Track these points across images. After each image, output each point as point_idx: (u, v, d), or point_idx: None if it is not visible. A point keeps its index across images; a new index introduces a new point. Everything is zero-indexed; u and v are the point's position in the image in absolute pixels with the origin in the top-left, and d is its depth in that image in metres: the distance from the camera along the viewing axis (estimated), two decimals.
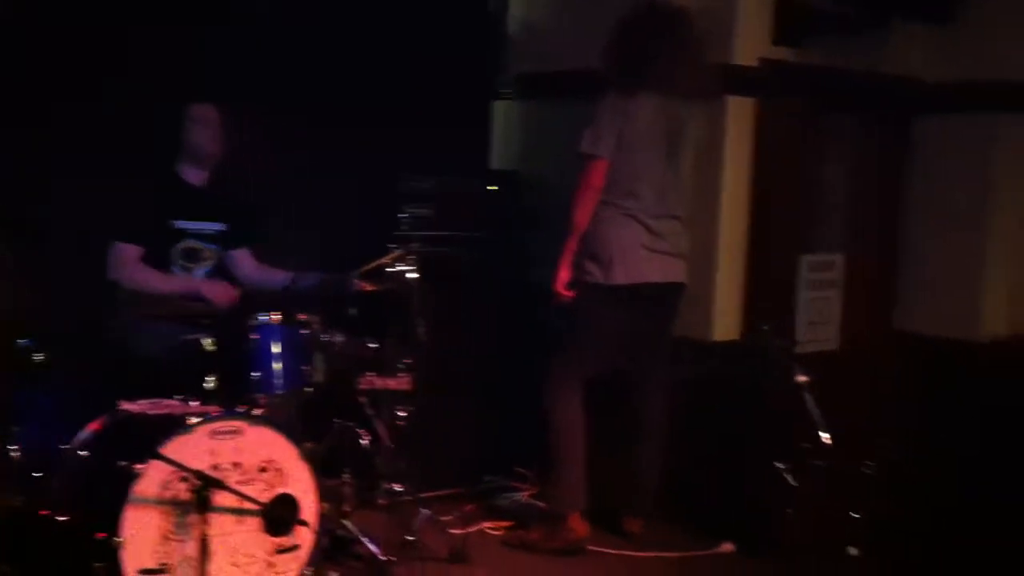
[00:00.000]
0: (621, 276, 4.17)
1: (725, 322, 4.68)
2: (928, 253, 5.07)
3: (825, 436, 3.60)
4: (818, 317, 4.96)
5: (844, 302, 5.01)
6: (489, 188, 5.01)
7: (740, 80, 4.58)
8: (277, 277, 4.32)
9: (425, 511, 3.95)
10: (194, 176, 4.22)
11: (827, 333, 4.98)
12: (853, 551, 3.51)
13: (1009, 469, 4.44)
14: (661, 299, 4.32)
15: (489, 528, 4.37)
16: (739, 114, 4.62)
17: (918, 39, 5.04)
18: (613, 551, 4.23)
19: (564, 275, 4.19)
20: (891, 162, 5.17)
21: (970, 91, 4.94)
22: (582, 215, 4.16)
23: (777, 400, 4.00)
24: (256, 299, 4.02)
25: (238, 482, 3.34)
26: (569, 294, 4.18)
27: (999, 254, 4.94)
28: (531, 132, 5.40)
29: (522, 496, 4.71)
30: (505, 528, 4.37)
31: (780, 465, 3.67)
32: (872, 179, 5.14)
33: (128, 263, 4.03)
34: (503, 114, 5.51)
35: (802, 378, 3.73)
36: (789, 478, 3.60)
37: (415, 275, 3.95)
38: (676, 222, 4.31)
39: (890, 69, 4.99)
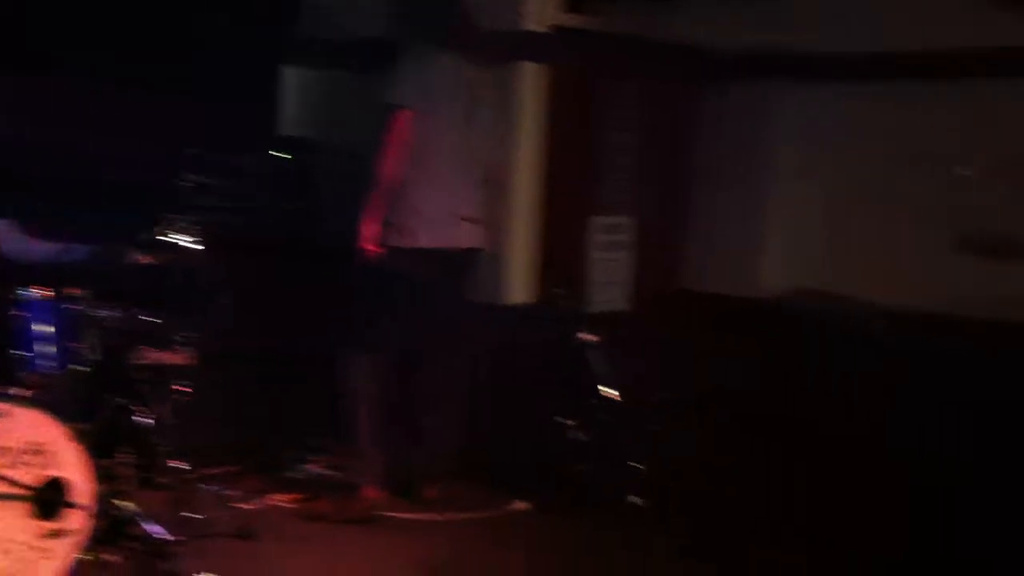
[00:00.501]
0: (425, 239, 4.15)
1: (519, 285, 4.73)
2: (714, 215, 5.24)
3: (612, 392, 3.67)
4: (609, 278, 5.06)
5: (634, 263, 5.13)
6: (278, 155, 4.89)
7: (532, 46, 4.61)
8: (44, 249, 4.10)
9: (210, 487, 3.84)
10: None
11: (618, 293, 5.08)
12: (637, 501, 3.60)
13: (789, 419, 4.64)
14: (459, 263, 4.32)
15: (280, 501, 4.28)
16: (531, 79, 4.65)
17: (707, 8, 5.17)
18: (408, 516, 4.22)
19: (369, 231, 4.13)
20: (679, 127, 5.31)
21: (754, 60, 5.11)
22: (388, 170, 4.10)
23: (566, 360, 4.05)
24: (20, 272, 3.80)
25: (4, 466, 3.17)
26: (375, 249, 4.12)
27: (779, 215, 5.14)
28: (324, 98, 5.31)
29: (314, 467, 4.63)
30: (297, 501, 4.30)
31: (569, 422, 3.71)
32: (661, 144, 5.27)
33: None
34: (295, 80, 5.38)
35: (589, 337, 3.78)
36: (578, 434, 3.65)
37: (196, 245, 3.81)
38: (474, 186, 4.31)
39: (679, 37, 5.11)
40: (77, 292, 3.64)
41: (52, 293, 3.58)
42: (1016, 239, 4.69)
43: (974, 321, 4.64)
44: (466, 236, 4.31)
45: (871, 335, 4.54)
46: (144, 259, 3.84)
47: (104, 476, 3.52)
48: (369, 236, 4.12)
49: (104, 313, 3.66)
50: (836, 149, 5.11)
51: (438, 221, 4.20)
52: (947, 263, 4.82)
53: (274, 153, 4.87)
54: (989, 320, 4.62)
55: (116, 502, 3.63)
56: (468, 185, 4.30)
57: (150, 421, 3.77)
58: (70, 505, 3.30)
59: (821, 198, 5.14)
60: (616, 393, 3.59)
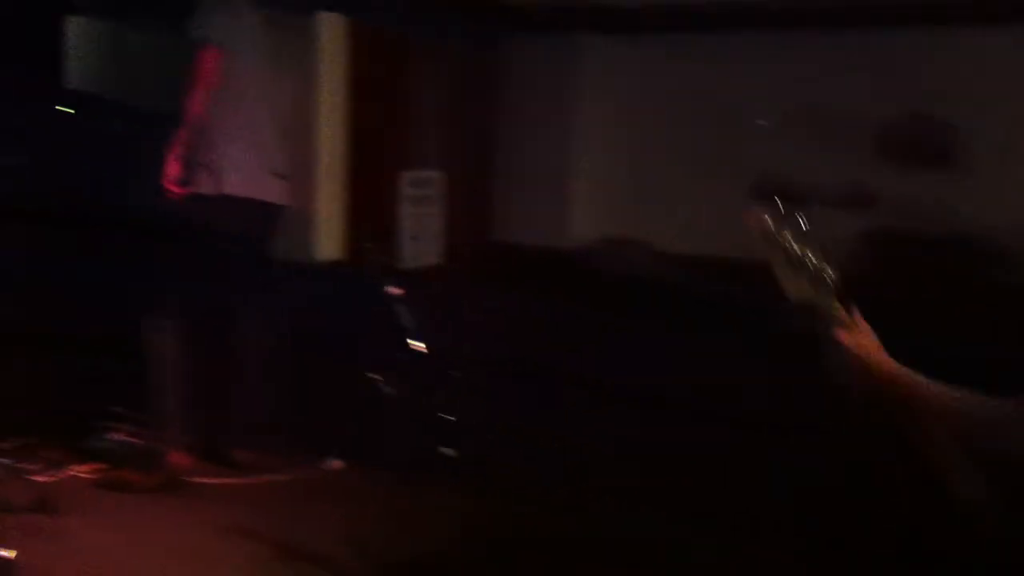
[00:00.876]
0: (230, 186, 4.02)
1: (328, 242, 4.66)
2: (522, 168, 5.29)
3: (419, 345, 3.66)
4: (420, 233, 5.05)
5: (445, 217, 5.13)
6: (63, 109, 4.64)
7: None
8: None
9: (2, 461, 3.66)
10: None
11: (430, 248, 5.08)
12: (449, 452, 3.61)
13: (605, 365, 4.75)
14: (264, 218, 4.22)
15: (81, 473, 4.12)
16: (332, 30, 4.56)
17: None
18: (218, 482, 4.12)
19: (173, 171, 3.98)
20: (484, 81, 5.32)
21: (557, 12, 5.15)
22: (194, 109, 3.95)
23: (376, 315, 4.02)
24: None
25: None
26: (179, 191, 3.98)
27: (584, 166, 5.23)
28: (115, 51, 5.07)
29: (116, 436, 4.47)
30: (99, 471, 4.14)
31: (376, 376, 3.69)
32: (467, 98, 5.27)
33: None
34: (81, 31, 5.11)
35: (395, 291, 3.76)
36: (388, 389, 3.63)
37: None
38: (280, 137, 4.21)
39: None
40: None
41: None
42: (807, 186, 4.91)
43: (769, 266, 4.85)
44: (272, 190, 4.20)
45: (673, 283, 4.68)
46: None
47: None
48: (173, 177, 3.97)
49: None
50: (638, 101, 5.23)
51: (244, 170, 4.08)
52: (742, 211, 5.00)
53: (60, 108, 4.62)
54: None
55: None
56: (274, 135, 4.20)
57: None
58: None
59: (624, 149, 5.26)
60: (422, 345, 3.57)
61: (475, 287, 5.05)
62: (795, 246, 2.34)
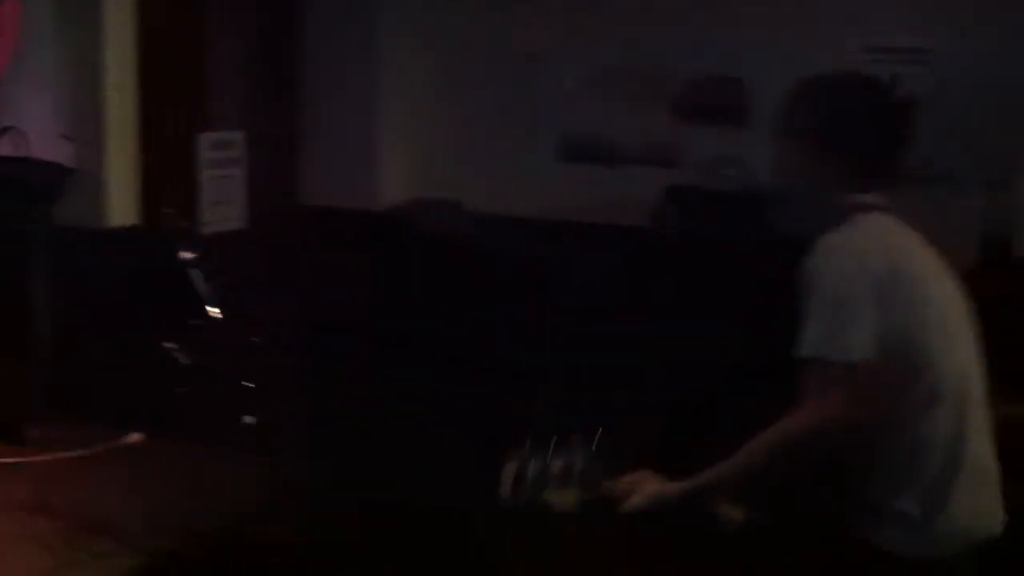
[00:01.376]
0: (20, 147, 3.81)
1: (121, 208, 4.45)
2: (328, 127, 5.18)
3: (214, 311, 3.55)
4: (222, 196, 4.89)
5: (248, 180, 4.98)
6: None
7: None
8: None
9: None
10: None
11: (233, 212, 4.93)
12: (249, 419, 3.53)
13: (415, 326, 4.74)
14: (53, 182, 4.01)
15: None
16: None
17: None
18: (7, 460, 3.92)
19: None
20: (284, 38, 5.17)
21: None
22: None
23: (173, 282, 3.89)
24: None
25: None
26: None
27: (393, 125, 5.17)
28: None
29: None
30: None
31: (171, 345, 3.57)
32: (267, 55, 5.12)
33: None
34: None
35: (188, 256, 3.63)
36: (181, 357, 3.51)
37: None
38: (65, 99, 4.01)
39: None
40: None
41: None
42: (613, 145, 4.99)
43: (582, 225, 4.91)
44: (62, 152, 4.00)
45: (482, 244, 4.69)
46: None
47: None
48: None
49: None
50: (445, 59, 5.18)
51: (34, 130, 3.87)
52: (551, 170, 5.05)
53: None
54: (592, 224, 4.90)
55: None
56: (62, 94, 4.00)
57: None
58: None
59: (433, 108, 5.22)
60: (218, 312, 3.47)
61: (281, 251, 4.94)
62: (560, 478, 2.45)
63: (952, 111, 4.34)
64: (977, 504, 2.47)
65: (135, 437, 4.12)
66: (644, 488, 2.53)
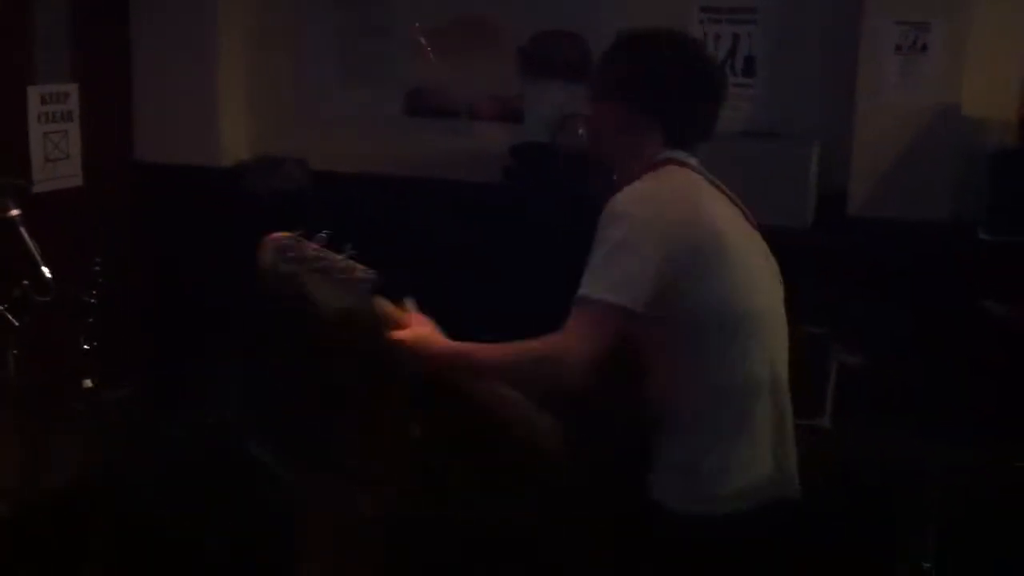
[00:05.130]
0: None
1: None
2: (164, 82, 5.00)
3: (45, 271, 3.40)
4: (56, 153, 4.69)
5: (82, 135, 4.79)
6: None
7: None
8: None
9: None
10: None
11: (68, 169, 4.74)
12: (88, 383, 3.42)
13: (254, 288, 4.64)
14: None
15: None
16: None
17: None
18: None
19: None
20: None
21: None
22: None
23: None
24: None
25: None
26: None
27: (232, 79, 5.03)
28: None
29: None
30: None
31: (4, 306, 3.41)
32: (99, 5, 4.91)
33: None
34: None
35: (14, 213, 3.47)
36: (10, 318, 3.35)
37: None
38: None
39: None
40: None
41: None
42: (460, 101, 4.96)
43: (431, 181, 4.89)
44: None
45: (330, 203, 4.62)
46: None
47: None
48: None
49: None
50: (288, 10, 5.06)
51: None
52: (400, 125, 5.00)
53: None
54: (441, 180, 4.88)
55: None
56: None
57: None
58: None
59: (276, 62, 5.10)
60: (48, 271, 3.32)
61: (116, 209, 4.79)
62: (317, 261, 2.46)
63: (787, 69, 4.48)
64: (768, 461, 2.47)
65: None
66: (417, 327, 2.54)
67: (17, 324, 3.25)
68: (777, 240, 2.65)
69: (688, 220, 2.42)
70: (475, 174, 4.81)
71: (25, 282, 3.36)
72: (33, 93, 4.53)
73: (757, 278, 2.52)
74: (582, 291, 2.35)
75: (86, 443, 3.40)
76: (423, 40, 4.98)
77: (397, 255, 4.49)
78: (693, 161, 2.58)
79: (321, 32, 5.06)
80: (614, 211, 2.41)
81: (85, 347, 3.43)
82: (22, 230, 3.44)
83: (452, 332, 2.57)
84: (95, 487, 3.22)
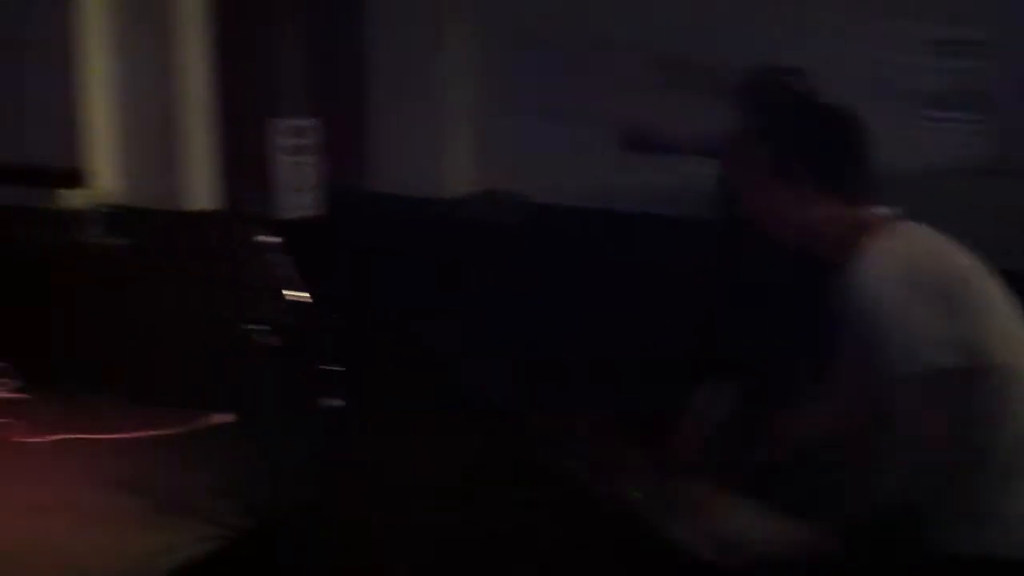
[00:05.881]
0: None
1: (197, 194, 4.57)
2: (398, 114, 5.22)
3: (297, 295, 3.63)
4: (297, 184, 4.97)
5: (321, 166, 5.06)
6: None
7: None
8: None
9: None
10: None
11: (308, 199, 5.01)
12: (333, 403, 3.61)
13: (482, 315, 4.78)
14: None
15: None
16: None
17: None
18: (93, 436, 4.02)
19: None
20: (352, 21, 5.21)
21: None
22: None
23: (251, 265, 3.98)
24: None
25: None
26: None
27: (460, 112, 5.20)
28: None
29: None
30: None
31: (257, 328, 3.65)
32: (334, 42, 5.17)
33: None
34: None
35: (272, 240, 3.72)
36: (268, 339, 3.59)
37: None
38: None
39: None
40: None
41: None
42: (673, 137, 4.99)
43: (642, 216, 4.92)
44: None
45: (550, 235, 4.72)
46: None
47: None
48: None
49: None
50: (511, 43, 5.19)
51: None
52: (605, 160, 5.06)
53: None
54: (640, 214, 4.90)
55: None
56: None
57: None
58: None
59: (499, 95, 5.24)
60: (305, 296, 3.54)
61: (353, 237, 5.01)
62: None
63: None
64: None
65: (216, 417, 4.23)
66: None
67: (277, 345, 3.46)
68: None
69: (948, 276, 2.50)
70: (684, 209, 4.81)
71: (281, 305, 3.60)
72: (277, 126, 4.82)
73: (1013, 324, 2.54)
74: (908, 367, 2.41)
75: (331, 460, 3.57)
76: (637, 75, 5.03)
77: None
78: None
79: (539, 64, 5.18)
80: (882, 276, 2.48)
81: (335, 368, 3.61)
82: (279, 258, 3.69)
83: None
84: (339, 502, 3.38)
